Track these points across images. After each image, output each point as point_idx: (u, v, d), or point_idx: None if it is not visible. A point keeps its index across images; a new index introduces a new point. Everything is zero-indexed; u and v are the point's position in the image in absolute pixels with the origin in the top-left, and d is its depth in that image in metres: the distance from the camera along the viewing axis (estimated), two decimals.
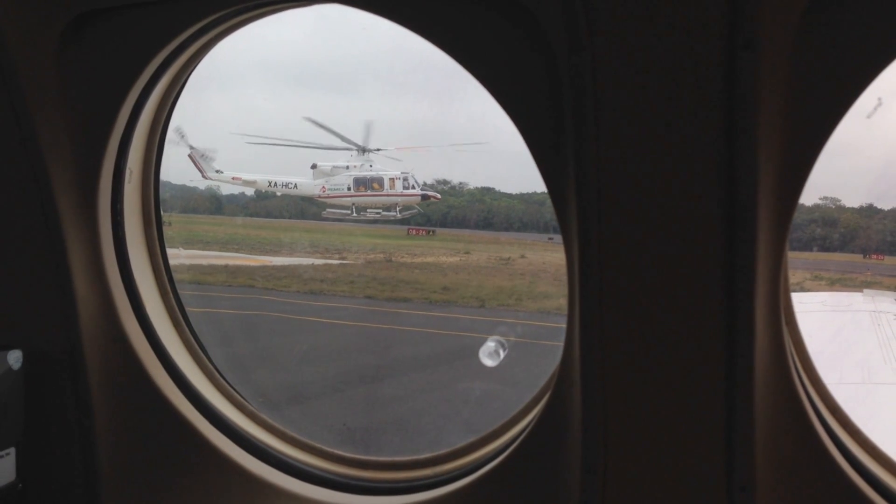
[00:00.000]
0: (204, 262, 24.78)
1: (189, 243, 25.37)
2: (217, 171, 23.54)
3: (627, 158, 2.44)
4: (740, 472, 2.57)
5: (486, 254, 31.62)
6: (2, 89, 2.98)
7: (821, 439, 2.67)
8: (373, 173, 24.75)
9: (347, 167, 24.56)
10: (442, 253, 31.08)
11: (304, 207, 29.40)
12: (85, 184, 3.21)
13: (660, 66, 2.34)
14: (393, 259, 29.47)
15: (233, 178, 24.24)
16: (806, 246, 34.32)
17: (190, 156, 22.79)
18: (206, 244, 27.21)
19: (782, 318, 2.59)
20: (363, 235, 33.41)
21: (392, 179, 24.87)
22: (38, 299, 3.31)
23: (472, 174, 26.35)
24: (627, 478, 2.72)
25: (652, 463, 2.68)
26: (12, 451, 3.17)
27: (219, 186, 26.36)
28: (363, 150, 24.21)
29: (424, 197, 26.06)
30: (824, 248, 34.70)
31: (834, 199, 35.11)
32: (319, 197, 24.86)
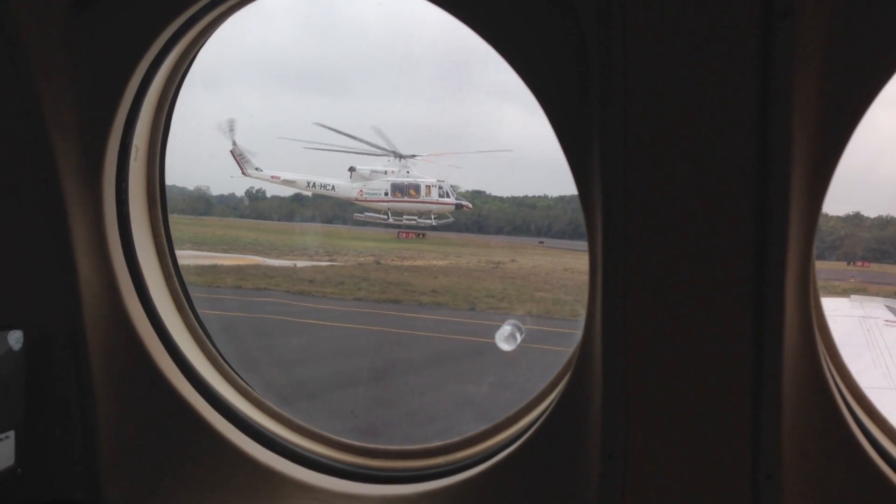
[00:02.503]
0: (192, 262, 24.67)
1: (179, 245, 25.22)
2: (256, 169, 23.84)
3: (656, 133, 2.38)
4: (767, 460, 2.55)
5: (476, 257, 31.55)
6: (7, 61, 2.91)
7: (848, 427, 2.64)
8: (410, 180, 25.23)
9: (385, 172, 25.00)
10: (432, 256, 30.99)
11: (293, 209, 29.26)
12: (90, 160, 3.14)
13: (693, 37, 2.28)
14: (382, 262, 29.37)
15: (272, 177, 24.56)
16: None
17: (231, 152, 23.13)
18: (195, 244, 27.06)
19: (811, 304, 2.55)
20: (352, 238, 33.32)
21: (428, 187, 25.44)
22: (40, 279, 3.25)
23: (463, 178, 26.35)
24: (649, 465, 2.68)
25: (675, 451, 2.65)
26: (12, 434, 3.10)
27: (209, 187, 26.41)
28: (400, 156, 24.67)
29: (458, 206, 26.50)
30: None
31: None
32: (357, 200, 25.25)
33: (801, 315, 2.50)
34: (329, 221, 30.18)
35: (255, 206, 30.07)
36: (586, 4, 2.39)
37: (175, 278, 3.62)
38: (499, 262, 30.65)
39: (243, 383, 3.66)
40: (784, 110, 2.25)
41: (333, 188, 25.29)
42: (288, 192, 26.71)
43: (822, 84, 2.28)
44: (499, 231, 35.82)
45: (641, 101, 2.35)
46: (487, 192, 36.54)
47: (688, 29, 2.28)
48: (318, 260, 28.19)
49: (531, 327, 22.40)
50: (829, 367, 2.65)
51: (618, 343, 2.59)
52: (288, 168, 24.57)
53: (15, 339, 3.12)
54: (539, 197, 38.14)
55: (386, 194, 25.13)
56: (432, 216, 26.18)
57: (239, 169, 23.46)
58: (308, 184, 24.99)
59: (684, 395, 2.58)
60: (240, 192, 27.40)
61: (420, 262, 30.14)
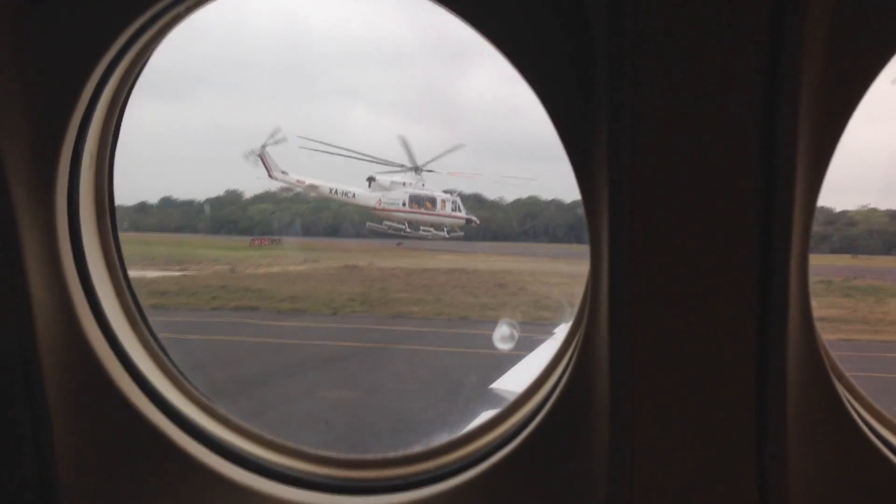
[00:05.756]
0: None
1: None
2: (283, 172, 24.63)
3: (663, 133, 2.39)
4: (772, 441, 2.59)
5: (334, 262, 31.31)
6: None
7: (847, 411, 2.74)
8: (427, 192, 26.10)
9: (404, 184, 25.89)
10: (289, 262, 30.51)
11: (136, 218, 27.92)
12: (42, 169, 2.88)
13: (701, 37, 2.30)
14: (237, 270, 28.54)
15: (297, 181, 25.37)
16: None
17: (259, 154, 23.97)
18: None
19: (810, 291, 2.63)
20: (203, 247, 32.13)
21: (444, 201, 26.35)
22: None
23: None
24: (657, 451, 2.66)
25: (682, 435, 2.64)
26: None
27: None
28: (417, 168, 25.49)
29: (468, 220, 27.22)
30: None
31: None
32: (374, 209, 26.07)
33: (802, 302, 2.58)
34: (179, 230, 29.34)
35: None
36: (597, 4, 2.41)
37: (127, 293, 3.36)
38: (357, 266, 30.61)
39: (206, 401, 3.41)
40: (791, 112, 2.32)
41: (354, 196, 26.18)
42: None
43: (823, 78, 2.36)
44: (356, 234, 35.74)
45: (649, 101, 2.38)
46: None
47: (696, 28, 2.32)
48: (168, 270, 26.99)
49: (396, 328, 22.42)
50: (826, 353, 2.76)
51: (624, 334, 2.58)
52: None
53: None
54: None
55: (404, 205, 26.01)
56: (445, 229, 27.00)
57: (266, 171, 24.26)
58: (331, 190, 25.82)
59: (690, 382, 2.60)
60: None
61: (276, 269, 29.52)
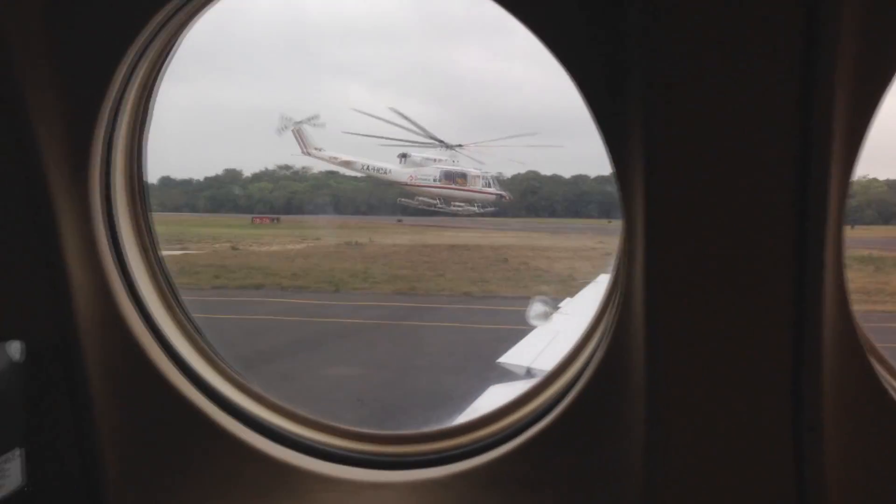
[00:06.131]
0: None
1: None
2: (317, 149, 25.33)
3: (698, 117, 2.40)
4: (808, 414, 2.61)
5: (334, 239, 31.27)
6: None
7: (881, 385, 2.75)
8: (459, 168, 26.59)
9: (436, 160, 26.43)
10: (290, 240, 30.45)
11: None
12: (77, 155, 2.91)
13: (738, 16, 2.30)
14: (240, 247, 28.52)
15: (331, 157, 25.99)
16: None
17: (293, 131, 24.64)
18: None
19: (844, 265, 2.63)
20: (202, 225, 32.06)
21: (475, 176, 26.82)
22: (28, 283, 2.98)
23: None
24: (694, 426, 2.68)
25: (719, 409, 2.66)
26: (19, 451, 2.87)
27: None
28: (448, 145, 26.14)
29: (499, 196, 27.76)
30: None
31: None
32: (407, 185, 26.65)
33: (837, 277, 2.60)
34: (178, 209, 29.34)
35: None
36: None
37: (160, 274, 3.38)
38: (356, 243, 30.58)
39: (241, 379, 3.42)
40: (828, 93, 2.32)
41: (387, 172, 26.66)
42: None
43: (857, 65, 2.36)
44: (356, 211, 35.66)
45: (684, 84, 2.39)
46: (341, 172, 36.25)
47: (732, 8, 2.31)
48: (167, 249, 26.94)
49: (399, 304, 22.46)
50: (859, 327, 2.76)
51: (661, 311, 2.59)
52: None
53: (15, 349, 2.88)
54: None
55: (435, 180, 26.51)
56: (476, 204, 27.42)
57: (300, 147, 25.02)
58: (364, 166, 26.43)
59: (726, 357, 2.61)
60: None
61: (276, 248, 29.51)
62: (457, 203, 26.89)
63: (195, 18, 3.09)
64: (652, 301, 2.58)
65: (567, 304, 12.76)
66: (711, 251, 2.51)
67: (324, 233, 31.99)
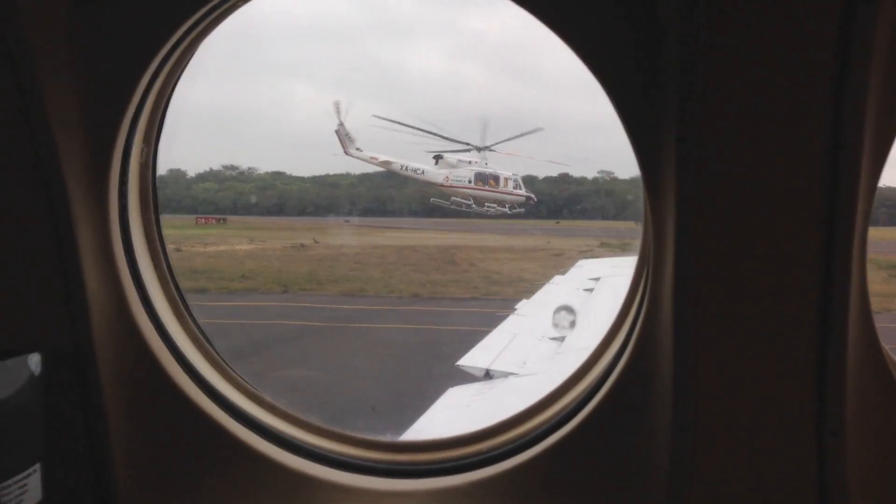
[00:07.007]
0: None
1: None
2: (357, 150, 26.10)
3: (731, 125, 2.41)
4: (831, 420, 2.65)
5: (281, 241, 30.95)
6: (9, 60, 2.65)
7: None
8: (491, 170, 27.44)
9: (470, 162, 27.31)
10: (236, 241, 30.02)
11: None
12: (97, 164, 2.89)
13: (772, 28, 2.30)
14: (183, 248, 27.97)
15: (371, 157, 26.76)
16: (590, 215, 37.51)
17: (336, 132, 25.53)
18: None
19: (866, 276, 2.67)
20: None
21: (506, 179, 27.63)
22: (44, 295, 2.93)
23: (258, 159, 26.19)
24: (719, 431, 2.69)
25: (744, 414, 2.68)
26: (37, 467, 2.82)
27: None
28: (479, 148, 27.05)
29: (528, 198, 28.56)
30: (605, 217, 38.32)
31: (608, 172, 38.59)
32: (442, 186, 27.48)
33: (860, 286, 2.64)
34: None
35: None
36: None
37: (171, 284, 3.34)
38: (303, 245, 30.33)
39: (254, 390, 3.36)
40: (858, 110, 2.35)
41: (423, 172, 27.55)
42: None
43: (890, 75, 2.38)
44: (302, 212, 35.32)
45: (717, 93, 2.39)
46: (288, 173, 35.88)
47: (766, 19, 2.32)
48: None
49: (347, 307, 22.32)
50: (878, 336, 2.81)
51: (689, 316, 2.60)
52: None
53: (34, 363, 2.83)
54: (342, 175, 38.18)
55: (469, 182, 27.29)
56: (506, 205, 28.12)
57: (342, 148, 25.80)
58: (401, 167, 27.34)
59: (753, 362, 2.62)
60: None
61: (223, 248, 29.03)
62: (489, 204, 27.78)
63: (212, 30, 3.10)
64: (680, 307, 2.60)
65: (523, 305, 12.88)
66: (739, 257, 2.53)
67: (271, 234, 31.61)
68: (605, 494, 3.00)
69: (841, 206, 2.45)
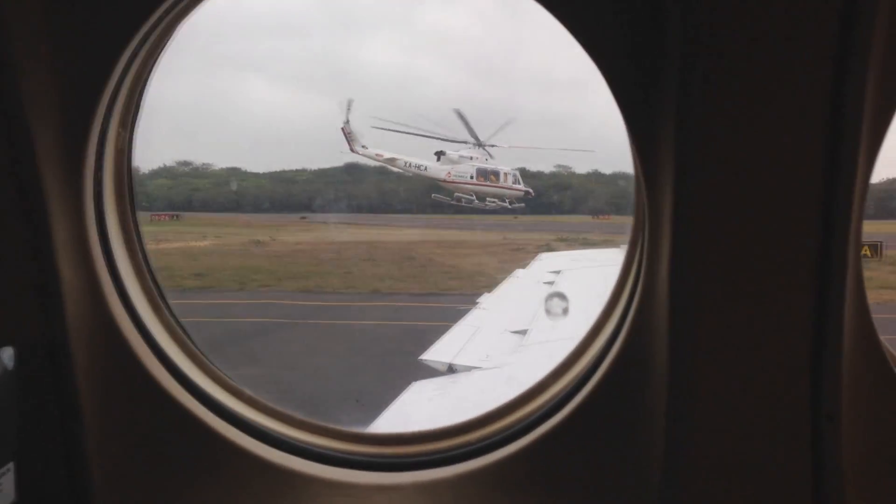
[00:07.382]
0: None
1: None
2: (363, 147, 26.40)
3: (732, 118, 2.44)
4: (827, 403, 2.68)
5: (237, 237, 30.59)
6: None
7: (893, 375, 2.84)
8: (492, 166, 27.94)
9: (471, 158, 27.68)
10: (191, 237, 29.58)
11: None
12: (72, 154, 2.82)
13: (770, 23, 2.34)
14: None
15: (375, 154, 27.03)
16: (546, 209, 37.76)
17: (342, 129, 25.81)
18: None
19: (861, 262, 2.72)
20: None
21: (506, 174, 28.23)
22: (18, 285, 2.85)
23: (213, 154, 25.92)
24: (715, 416, 2.70)
25: (740, 399, 2.69)
26: (11, 466, 2.73)
27: None
28: (481, 144, 27.46)
29: (526, 192, 29.12)
30: (561, 212, 38.63)
31: (565, 167, 38.89)
32: (444, 181, 27.91)
33: (855, 271, 2.67)
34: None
35: None
36: None
37: (148, 276, 3.26)
38: (260, 241, 30.07)
39: (232, 382, 3.26)
40: (856, 109, 2.39)
41: (426, 168, 27.88)
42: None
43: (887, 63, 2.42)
44: (257, 208, 34.96)
45: (716, 89, 2.42)
46: (243, 169, 35.43)
47: (765, 16, 2.35)
48: None
49: (303, 303, 22.18)
50: (873, 322, 2.85)
51: (685, 303, 2.61)
52: None
53: (7, 357, 2.75)
54: (298, 171, 37.86)
55: (471, 178, 27.75)
56: (507, 200, 28.59)
57: (348, 145, 26.10)
58: (405, 164, 27.67)
59: (749, 348, 2.65)
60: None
61: (178, 245, 28.60)
62: (490, 199, 28.25)
63: (192, 12, 3.04)
64: (676, 293, 2.61)
65: (485, 299, 12.93)
66: (736, 242, 2.56)
67: (227, 230, 31.23)
68: (597, 483, 2.98)
69: (839, 191, 2.49)
